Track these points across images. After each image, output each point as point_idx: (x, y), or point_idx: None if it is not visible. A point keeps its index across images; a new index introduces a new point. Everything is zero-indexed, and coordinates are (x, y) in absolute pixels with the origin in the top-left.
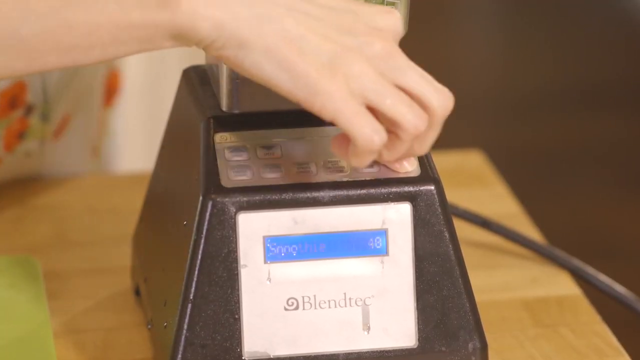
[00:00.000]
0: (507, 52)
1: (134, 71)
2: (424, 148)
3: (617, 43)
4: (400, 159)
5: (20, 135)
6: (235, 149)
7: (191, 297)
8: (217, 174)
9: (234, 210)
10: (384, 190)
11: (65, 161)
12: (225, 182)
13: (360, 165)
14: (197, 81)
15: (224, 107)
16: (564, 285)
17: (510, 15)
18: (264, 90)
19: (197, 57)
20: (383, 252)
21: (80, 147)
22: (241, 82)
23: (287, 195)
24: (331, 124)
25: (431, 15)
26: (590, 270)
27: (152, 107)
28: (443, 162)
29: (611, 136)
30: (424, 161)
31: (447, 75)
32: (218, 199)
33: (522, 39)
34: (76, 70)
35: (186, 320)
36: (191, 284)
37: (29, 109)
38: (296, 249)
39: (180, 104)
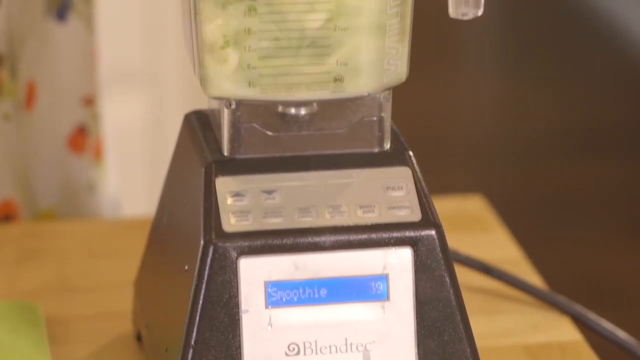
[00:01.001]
0: (508, 97)
1: (136, 115)
2: None
3: (618, 88)
4: None
5: None
6: (236, 194)
7: (192, 343)
8: (218, 218)
9: (235, 255)
10: (384, 235)
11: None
12: (226, 227)
13: None
14: (199, 126)
15: (226, 152)
16: (565, 331)
17: (511, 60)
18: (265, 136)
19: (199, 102)
20: (384, 297)
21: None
22: (243, 127)
23: (288, 240)
24: (333, 168)
25: (432, 59)
26: (592, 316)
27: (154, 152)
28: (444, 206)
29: (613, 182)
30: (425, 206)
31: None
32: (219, 244)
33: (523, 83)
34: (34, 21)
35: None
36: (192, 330)
37: (1, 61)
38: (297, 294)
39: (181, 149)
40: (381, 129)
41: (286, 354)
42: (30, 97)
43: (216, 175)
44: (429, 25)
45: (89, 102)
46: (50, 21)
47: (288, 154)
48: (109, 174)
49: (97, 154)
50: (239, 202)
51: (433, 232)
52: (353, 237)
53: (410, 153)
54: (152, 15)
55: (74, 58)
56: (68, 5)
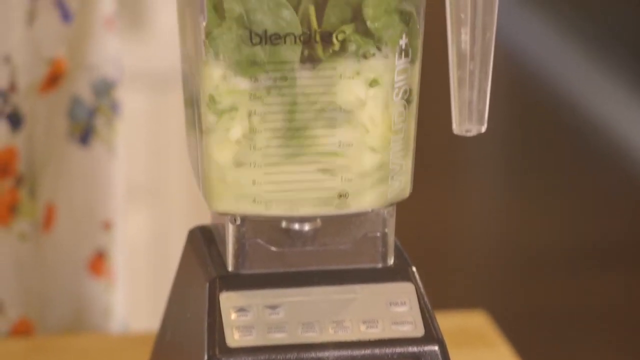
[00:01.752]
0: (512, 212)
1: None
2: None
3: (624, 204)
4: None
5: (13, 208)
6: (240, 309)
7: None
8: (222, 334)
9: None
10: (388, 350)
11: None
12: (230, 342)
13: None
14: (203, 241)
15: (230, 267)
16: None
17: (515, 175)
18: (269, 251)
19: (203, 217)
20: None
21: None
22: (247, 243)
23: (292, 356)
24: (336, 283)
25: (436, 174)
26: None
27: (158, 267)
28: (447, 322)
29: (619, 298)
30: (428, 321)
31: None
32: (223, 359)
33: (527, 198)
34: (57, 144)
35: None
36: None
37: (19, 180)
38: None
39: (186, 264)
40: (384, 245)
41: None
42: (49, 219)
43: (220, 290)
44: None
45: (109, 226)
46: (72, 145)
47: (292, 269)
48: (118, 293)
49: (113, 277)
50: (243, 317)
51: (436, 348)
52: (356, 352)
53: (414, 269)
54: (157, 131)
55: (95, 182)
56: (91, 130)
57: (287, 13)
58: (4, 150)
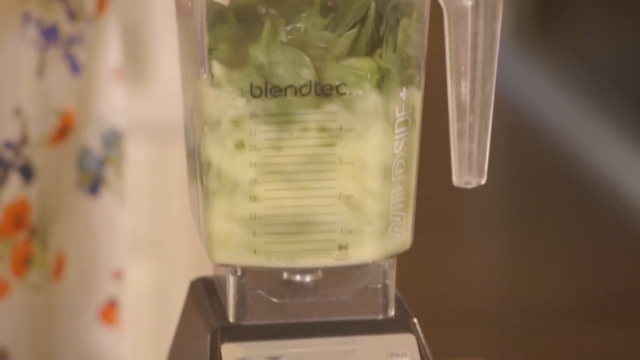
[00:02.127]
0: (513, 264)
1: (142, 281)
2: None
3: (624, 258)
4: None
5: (27, 260)
6: None
7: None
8: None
9: None
10: None
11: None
12: None
13: None
14: (205, 292)
15: (231, 318)
16: None
17: (515, 226)
18: (270, 303)
19: (204, 268)
20: None
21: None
22: (248, 294)
23: None
24: (337, 334)
25: (435, 226)
26: None
27: (159, 319)
28: None
29: (619, 349)
30: None
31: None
32: None
33: (527, 250)
34: (66, 195)
35: None
36: None
37: (33, 232)
38: None
39: (187, 315)
40: (385, 296)
41: None
42: (59, 269)
43: (222, 342)
44: (433, 192)
45: (119, 275)
46: (82, 195)
47: (293, 320)
48: (128, 342)
49: (124, 326)
50: None
51: None
52: None
53: (415, 320)
54: (159, 182)
55: (104, 232)
56: (100, 180)
57: (307, 72)
58: (17, 202)
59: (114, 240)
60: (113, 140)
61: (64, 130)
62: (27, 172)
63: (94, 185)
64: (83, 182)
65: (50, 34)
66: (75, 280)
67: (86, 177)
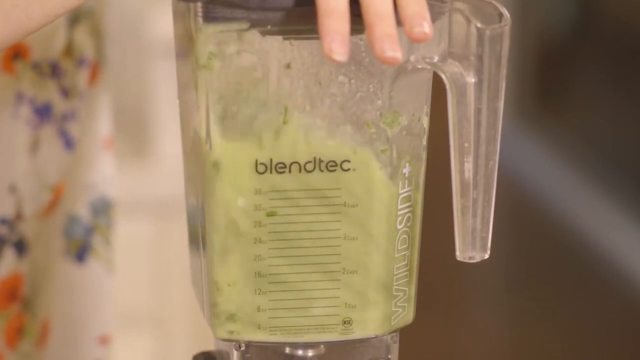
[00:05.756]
0: (514, 338)
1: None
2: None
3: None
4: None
5: (19, 331)
6: None
7: None
8: None
9: None
10: None
11: None
12: None
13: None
14: None
15: None
16: None
17: (518, 300)
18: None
19: (206, 343)
20: None
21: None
22: None
23: None
24: None
25: (438, 299)
26: None
27: None
28: None
29: None
30: None
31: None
32: None
33: (530, 325)
34: (53, 262)
35: None
36: None
37: (25, 304)
38: None
39: None
40: None
41: None
42: (43, 335)
43: None
44: (436, 266)
45: (105, 341)
46: (68, 262)
47: None
48: None
49: None
50: None
51: None
52: None
53: None
54: (161, 257)
55: (91, 298)
56: (88, 247)
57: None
58: (12, 277)
59: (100, 306)
60: (102, 209)
61: (54, 202)
62: (20, 247)
63: (80, 252)
64: (70, 249)
65: (43, 112)
66: (59, 345)
67: (73, 244)
